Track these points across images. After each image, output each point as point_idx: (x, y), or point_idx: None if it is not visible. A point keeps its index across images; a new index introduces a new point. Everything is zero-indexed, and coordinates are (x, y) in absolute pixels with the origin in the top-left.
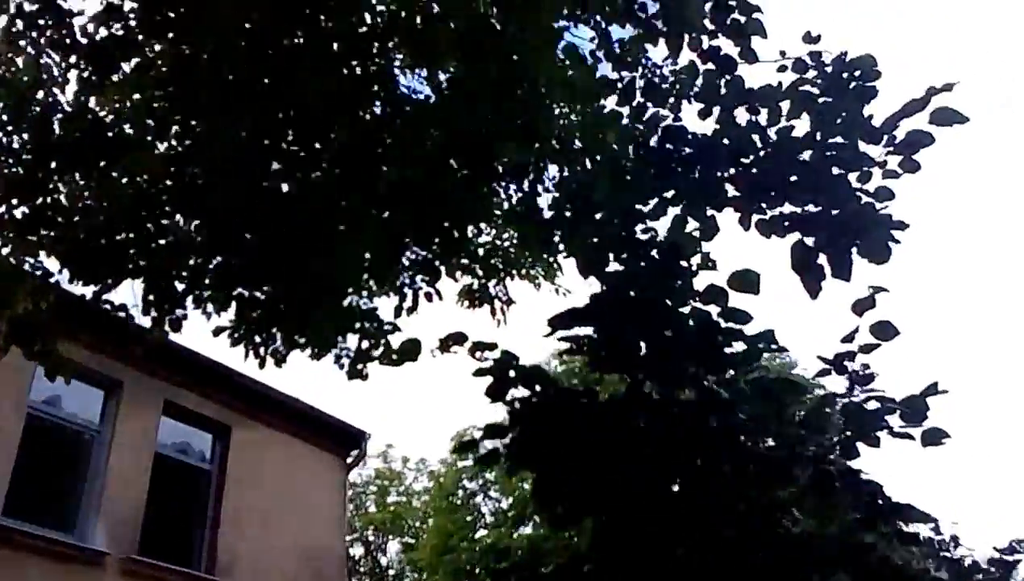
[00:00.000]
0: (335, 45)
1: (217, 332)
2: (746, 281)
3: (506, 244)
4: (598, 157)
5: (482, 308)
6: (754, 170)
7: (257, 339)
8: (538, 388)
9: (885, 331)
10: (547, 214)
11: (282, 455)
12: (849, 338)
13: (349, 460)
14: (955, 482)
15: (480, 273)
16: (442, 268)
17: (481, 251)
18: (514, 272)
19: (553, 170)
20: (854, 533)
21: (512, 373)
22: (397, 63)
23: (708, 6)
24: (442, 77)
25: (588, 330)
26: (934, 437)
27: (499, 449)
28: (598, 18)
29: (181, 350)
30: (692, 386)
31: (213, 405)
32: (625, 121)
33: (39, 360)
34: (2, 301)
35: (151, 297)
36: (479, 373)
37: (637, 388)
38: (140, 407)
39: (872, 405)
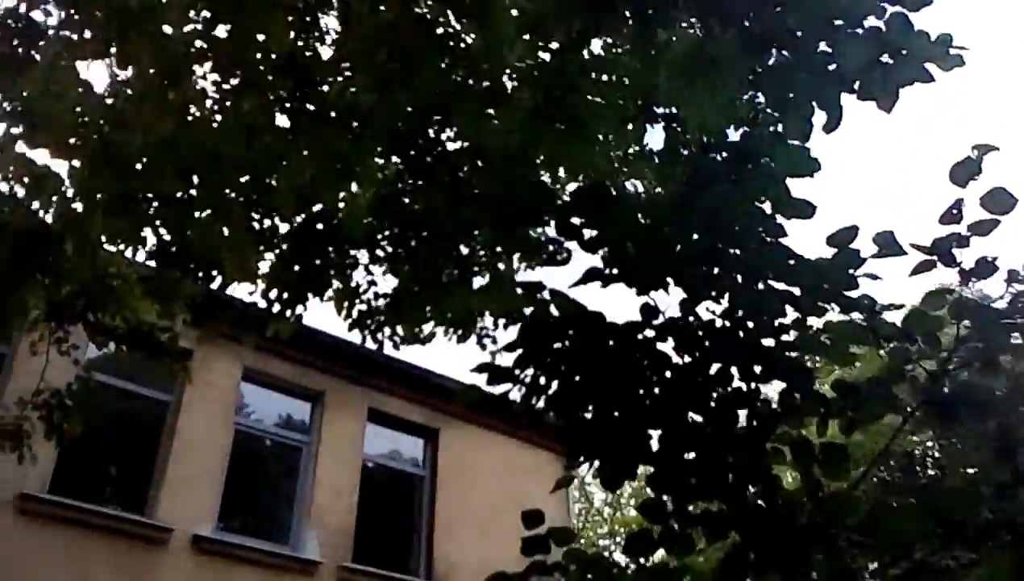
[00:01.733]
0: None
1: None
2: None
3: None
4: None
5: None
6: None
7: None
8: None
9: (1000, 201)
10: None
11: (497, 456)
12: (952, 217)
13: None
14: None
15: None
16: None
17: None
18: None
19: None
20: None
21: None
22: None
23: None
24: None
25: None
26: None
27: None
28: None
29: (381, 358)
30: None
31: (419, 409)
32: None
33: None
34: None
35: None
36: None
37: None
38: (345, 416)
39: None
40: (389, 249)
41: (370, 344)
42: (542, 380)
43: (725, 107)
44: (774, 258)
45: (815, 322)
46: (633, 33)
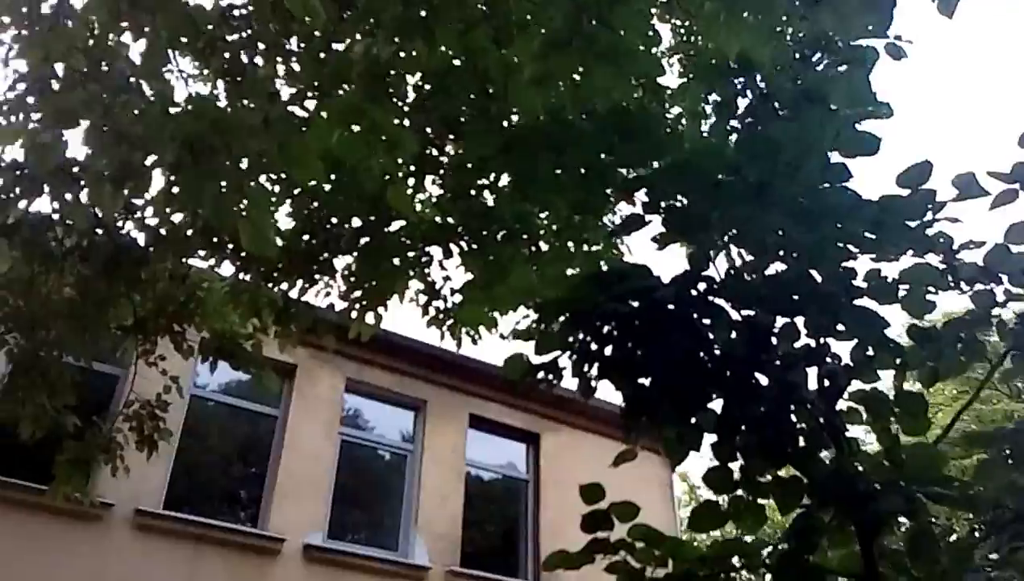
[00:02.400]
0: None
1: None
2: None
3: None
4: None
5: None
6: None
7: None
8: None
9: None
10: None
11: (598, 458)
12: None
13: None
14: None
15: None
16: None
17: None
18: None
19: None
20: None
21: None
22: None
23: None
24: None
25: None
26: None
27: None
28: None
29: (480, 365)
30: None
31: (519, 414)
32: None
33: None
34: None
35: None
36: None
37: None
38: (447, 423)
39: None
40: (463, 244)
41: (450, 343)
42: (593, 346)
43: (766, 35)
44: (838, 199)
45: (887, 268)
46: None
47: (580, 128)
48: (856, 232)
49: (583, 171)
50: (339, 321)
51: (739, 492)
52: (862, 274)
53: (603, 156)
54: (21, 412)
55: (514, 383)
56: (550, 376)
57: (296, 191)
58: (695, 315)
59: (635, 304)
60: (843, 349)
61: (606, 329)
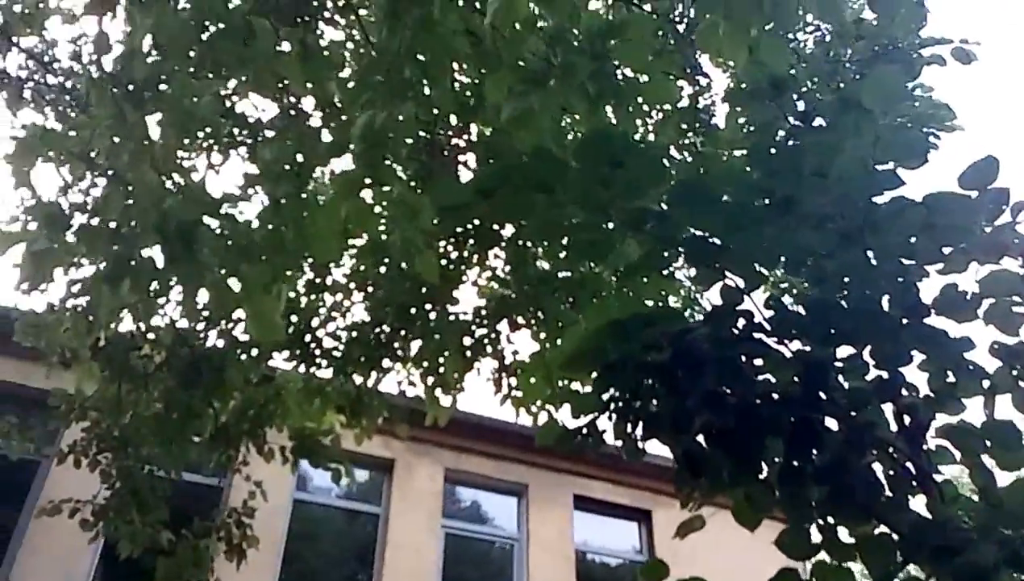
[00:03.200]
0: None
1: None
2: None
3: None
4: None
5: None
6: None
7: None
8: None
9: None
10: None
11: (717, 531)
12: None
13: None
14: None
15: None
16: None
17: None
18: None
19: None
20: None
21: None
22: None
23: None
24: None
25: None
26: None
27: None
28: None
29: None
30: None
31: (627, 491)
32: None
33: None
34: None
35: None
36: None
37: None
38: (551, 506)
39: None
40: (528, 315)
41: (525, 419)
42: (633, 402)
43: (781, 44)
44: (874, 207)
45: (960, 280)
46: None
47: (564, 162)
48: (905, 242)
49: (582, 210)
50: (415, 407)
51: (822, 556)
52: (930, 291)
53: (599, 190)
54: (118, 531)
55: (617, 458)
56: (590, 440)
57: (368, 284)
58: (741, 356)
59: (666, 345)
60: (920, 379)
61: (645, 382)
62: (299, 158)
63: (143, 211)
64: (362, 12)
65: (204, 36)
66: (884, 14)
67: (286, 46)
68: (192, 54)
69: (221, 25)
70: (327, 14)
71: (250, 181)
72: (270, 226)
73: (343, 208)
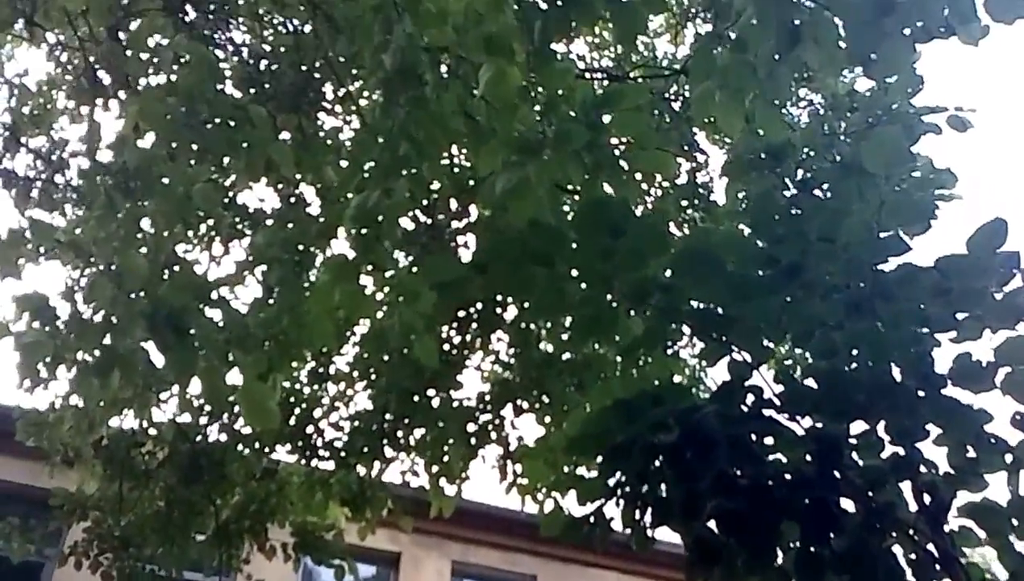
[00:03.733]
0: None
1: None
2: None
3: None
4: None
5: None
6: None
7: None
8: None
9: None
10: None
11: None
12: None
13: None
14: None
15: None
16: None
17: None
18: None
19: None
20: None
21: None
22: None
23: None
24: None
25: None
26: None
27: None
28: None
29: None
30: None
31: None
32: None
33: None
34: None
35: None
36: None
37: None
38: None
39: None
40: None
41: (532, 507)
42: (640, 487)
43: (777, 113)
44: (881, 273)
45: (972, 347)
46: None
47: (562, 233)
48: (916, 309)
49: (583, 285)
50: (420, 497)
51: None
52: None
53: (600, 261)
54: None
55: (627, 546)
56: (597, 529)
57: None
58: (751, 435)
59: (677, 430)
60: (939, 454)
61: (653, 465)
62: (294, 242)
63: (131, 299)
64: (362, 102)
65: (194, 122)
66: (879, 79)
67: (284, 133)
68: (182, 140)
69: (211, 110)
70: (326, 104)
71: (243, 266)
72: (262, 314)
73: (336, 292)
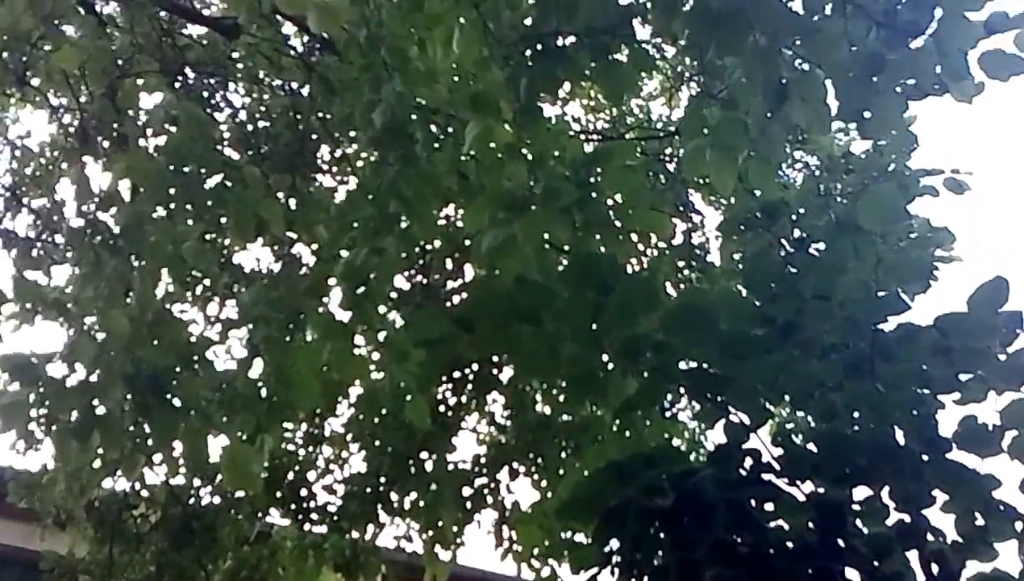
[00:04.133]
0: None
1: None
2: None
3: None
4: None
5: None
6: None
7: None
8: None
9: None
10: None
11: None
12: None
13: None
14: None
15: None
16: None
17: None
18: None
19: None
20: None
21: None
22: None
23: None
24: None
25: None
26: None
27: None
28: None
29: None
30: None
31: None
32: None
33: None
34: None
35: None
36: None
37: None
38: None
39: None
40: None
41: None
42: (637, 554)
43: (771, 170)
44: (879, 332)
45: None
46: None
47: (549, 290)
48: (918, 369)
49: (572, 341)
50: (414, 562)
51: None
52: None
53: (589, 318)
54: None
55: None
56: None
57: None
58: (750, 500)
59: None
60: (946, 522)
61: (648, 530)
62: (284, 301)
63: (112, 359)
64: (359, 164)
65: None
66: (873, 138)
67: (279, 193)
68: (171, 198)
69: (202, 169)
70: (323, 165)
71: (228, 325)
72: (249, 374)
73: (325, 351)
